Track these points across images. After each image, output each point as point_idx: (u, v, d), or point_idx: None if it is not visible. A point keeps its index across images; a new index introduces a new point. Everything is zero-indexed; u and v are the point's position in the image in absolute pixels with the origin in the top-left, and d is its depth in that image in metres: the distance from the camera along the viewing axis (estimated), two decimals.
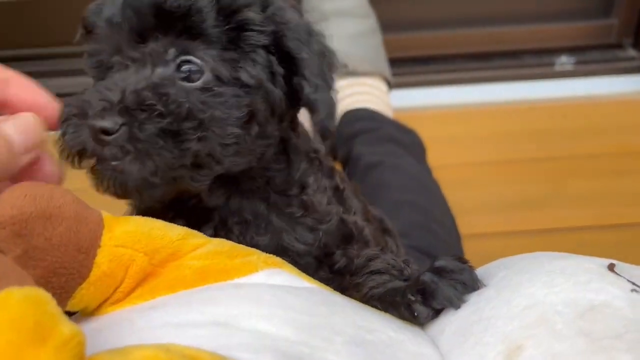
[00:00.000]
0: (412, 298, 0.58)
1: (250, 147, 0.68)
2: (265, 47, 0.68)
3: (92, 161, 0.62)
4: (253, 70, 0.67)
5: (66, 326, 0.41)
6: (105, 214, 0.58)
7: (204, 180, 0.66)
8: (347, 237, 0.78)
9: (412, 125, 1.47)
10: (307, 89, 0.68)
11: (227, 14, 0.66)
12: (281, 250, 0.72)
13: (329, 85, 0.71)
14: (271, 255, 0.62)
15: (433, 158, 1.43)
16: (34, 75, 1.62)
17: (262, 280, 0.56)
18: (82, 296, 0.54)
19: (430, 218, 1.16)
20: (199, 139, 0.63)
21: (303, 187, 0.76)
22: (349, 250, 0.75)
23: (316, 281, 0.61)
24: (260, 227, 0.73)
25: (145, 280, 0.56)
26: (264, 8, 0.69)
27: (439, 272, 0.59)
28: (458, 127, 1.61)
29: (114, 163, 0.60)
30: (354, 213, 0.83)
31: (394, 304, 0.59)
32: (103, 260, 0.54)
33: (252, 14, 0.67)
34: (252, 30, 0.67)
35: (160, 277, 0.57)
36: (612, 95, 1.63)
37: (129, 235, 0.57)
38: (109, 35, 0.67)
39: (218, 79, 0.66)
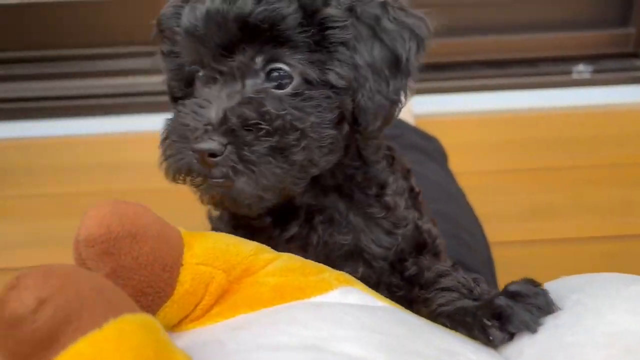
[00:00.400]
0: (488, 323, 0.58)
1: (340, 144, 0.69)
2: (344, 44, 0.67)
3: (199, 179, 0.64)
4: (341, 70, 0.66)
5: (179, 354, 0.43)
6: (183, 231, 0.60)
7: (304, 184, 0.68)
8: (421, 245, 0.78)
9: (430, 131, 1.47)
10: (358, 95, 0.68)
11: (309, 15, 0.65)
12: (358, 252, 0.74)
13: (382, 87, 0.69)
14: (341, 272, 0.63)
15: (452, 165, 1.44)
16: (55, 76, 1.61)
17: (337, 299, 0.57)
18: (166, 314, 0.55)
19: (458, 226, 1.17)
20: (303, 148, 0.64)
21: (382, 187, 0.77)
22: (420, 259, 0.76)
23: (386, 299, 0.62)
24: (342, 226, 0.74)
25: (222, 297, 0.58)
26: (349, 4, 0.68)
27: (514, 296, 0.60)
28: (476, 134, 1.61)
29: (222, 181, 0.62)
30: (427, 220, 0.83)
31: (464, 324, 0.60)
32: (186, 279, 0.56)
33: (332, 10, 0.66)
34: (333, 27, 0.66)
35: (237, 294, 0.58)
36: (630, 104, 1.64)
37: (209, 252, 0.58)
38: (188, 45, 0.68)
39: (307, 82, 0.66)
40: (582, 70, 1.76)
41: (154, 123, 1.62)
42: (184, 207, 1.43)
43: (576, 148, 1.54)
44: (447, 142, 1.47)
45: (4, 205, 1.50)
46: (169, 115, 0.68)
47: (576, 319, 0.53)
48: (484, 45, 1.77)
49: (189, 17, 0.66)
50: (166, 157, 0.66)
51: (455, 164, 1.45)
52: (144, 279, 0.53)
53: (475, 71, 1.78)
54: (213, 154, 0.61)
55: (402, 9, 0.72)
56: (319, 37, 0.66)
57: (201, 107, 0.64)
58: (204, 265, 0.57)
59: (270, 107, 0.64)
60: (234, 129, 0.61)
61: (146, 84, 1.81)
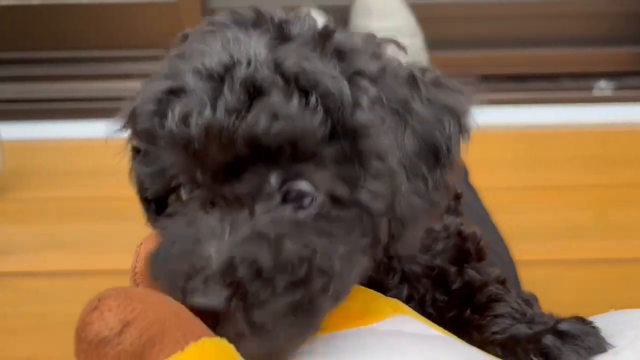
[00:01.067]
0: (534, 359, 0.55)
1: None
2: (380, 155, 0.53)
3: None
4: (376, 187, 0.52)
5: None
6: None
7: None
8: (464, 254, 0.70)
9: None
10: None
11: (336, 124, 0.51)
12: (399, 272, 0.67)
13: (419, 187, 0.55)
14: (393, 298, 0.60)
15: (472, 181, 1.41)
16: (73, 78, 1.59)
17: (394, 327, 0.55)
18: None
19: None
20: (332, 295, 0.50)
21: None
22: (465, 270, 0.68)
23: (439, 327, 0.59)
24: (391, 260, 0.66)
25: None
26: (376, 96, 0.54)
27: (562, 336, 0.56)
28: (495, 149, 1.59)
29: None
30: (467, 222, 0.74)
31: (515, 354, 0.57)
32: None
33: (363, 116, 0.52)
34: (367, 136, 0.52)
35: None
36: None
37: None
38: (176, 157, 0.53)
39: (335, 201, 0.52)
40: (603, 86, 1.74)
41: None
42: None
43: (598, 166, 1.52)
44: (466, 156, 1.44)
45: (18, 207, 1.49)
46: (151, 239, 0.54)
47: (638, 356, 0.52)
48: (504, 58, 1.76)
49: (179, 126, 0.51)
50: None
51: (475, 179, 1.43)
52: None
53: (495, 85, 1.76)
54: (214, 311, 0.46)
55: (435, 82, 0.59)
56: (349, 148, 0.52)
57: (197, 241, 0.49)
58: None
59: (291, 248, 0.49)
60: (243, 281, 0.46)
61: None
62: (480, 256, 0.71)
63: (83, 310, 0.45)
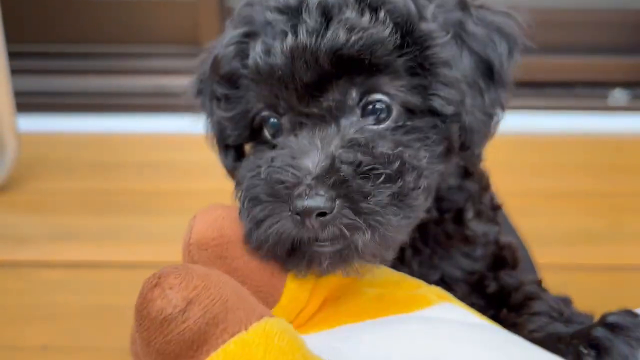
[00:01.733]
0: (584, 351, 0.55)
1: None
2: (447, 63, 0.58)
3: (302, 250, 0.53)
4: (447, 94, 0.58)
5: (318, 358, 0.44)
6: None
7: (415, 223, 0.58)
8: (500, 261, 0.73)
9: None
10: (442, 107, 0.58)
11: (406, 35, 0.57)
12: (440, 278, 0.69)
13: (478, 101, 0.61)
14: (436, 286, 0.61)
15: None
16: (93, 72, 1.59)
17: (439, 314, 0.55)
18: None
19: None
20: (423, 190, 0.55)
21: (459, 214, 0.70)
22: (500, 276, 0.71)
23: (484, 316, 0.60)
24: (430, 261, 0.69)
25: (324, 304, 0.57)
26: (435, 14, 0.59)
27: (612, 328, 0.56)
28: (511, 155, 1.59)
29: (331, 245, 0.51)
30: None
31: (556, 350, 0.56)
32: (292, 285, 0.55)
33: (430, 25, 0.58)
34: (433, 46, 0.58)
35: (340, 303, 0.56)
36: None
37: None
38: (261, 88, 0.59)
39: (409, 111, 0.58)
40: (618, 95, 1.73)
41: (185, 124, 1.61)
42: None
43: (613, 174, 1.52)
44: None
45: (34, 199, 1.49)
46: (246, 171, 0.57)
47: None
48: (521, 65, 1.74)
49: (263, 57, 0.57)
50: (257, 222, 0.53)
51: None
52: (255, 283, 0.52)
53: (512, 91, 1.75)
54: (322, 213, 0.49)
55: (483, 6, 0.65)
56: (419, 58, 0.58)
57: (294, 157, 0.53)
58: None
59: (384, 147, 0.54)
60: (346, 179, 0.50)
61: (179, 85, 1.78)
62: (514, 264, 0.75)
63: (143, 286, 0.45)
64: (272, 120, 0.60)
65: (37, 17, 1.78)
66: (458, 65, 0.59)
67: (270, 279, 0.53)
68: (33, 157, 1.59)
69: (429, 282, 0.63)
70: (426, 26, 0.58)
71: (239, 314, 0.43)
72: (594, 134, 1.61)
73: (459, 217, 0.70)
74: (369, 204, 0.51)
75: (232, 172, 0.69)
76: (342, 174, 0.51)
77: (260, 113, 0.61)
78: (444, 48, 0.58)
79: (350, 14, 0.56)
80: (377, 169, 0.52)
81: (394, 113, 0.58)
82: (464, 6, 0.62)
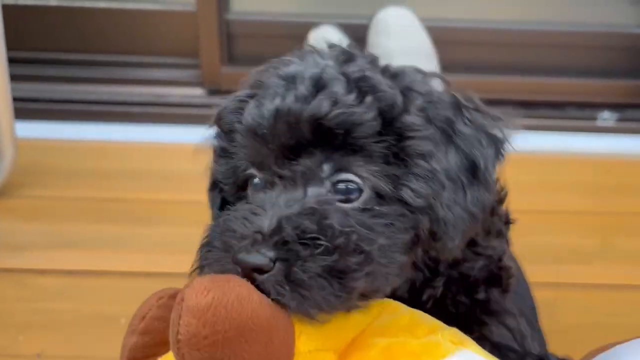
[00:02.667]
0: None
1: (408, 269, 0.62)
2: (423, 156, 0.59)
3: None
4: (418, 186, 0.58)
5: None
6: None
7: (366, 304, 0.57)
8: (494, 279, 0.73)
9: None
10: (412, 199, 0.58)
11: (387, 123, 0.58)
12: None
13: (459, 197, 0.60)
14: (451, 328, 0.56)
15: None
16: (89, 80, 1.58)
17: None
18: None
19: None
20: (366, 275, 0.54)
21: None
22: (491, 291, 0.71)
23: None
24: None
25: None
26: (423, 108, 0.60)
27: None
28: (502, 173, 1.57)
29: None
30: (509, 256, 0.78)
31: None
32: None
33: (413, 118, 0.59)
34: (412, 137, 0.59)
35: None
36: None
37: (319, 332, 0.50)
38: (248, 145, 0.60)
39: (379, 197, 0.58)
40: (607, 117, 1.74)
41: (184, 134, 1.61)
42: (205, 220, 1.39)
43: (603, 194, 1.52)
44: None
45: (31, 205, 1.47)
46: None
47: None
48: (512, 85, 1.76)
49: (253, 114, 0.59)
50: (202, 264, 0.57)
51: None
52: None
53: (502, 110, 1.75)
54: (259, 269, 0.51)
55: (477, 109, 0.65)
56: (395, 148, 0.58)
57: (254, 213, 0.55)
58: (316, 351, 0.49)
59: (334, 221, 0.54)
60: (287, 241, 0.52)
61: (177, 95, 1.78)
62: (506, 289, 0.74)
63: None
64: (255, 180, 0.62)
65: (37, 25, 1.76)
66: (440, 159, 0.59)
67: None
68: (31, 163, 1.57)
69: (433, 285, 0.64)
70: (409, 119, 0.59)
71: None
72: (583, 154, 1.62)
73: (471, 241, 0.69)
74: (300, 270, 0.51)
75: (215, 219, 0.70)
76: (285, 236, 0.52)
77: (247, 170, 0.63)
78: (423, 141, 0.59)
79: (339, 89, 0.57)
80: (319, 239, 0.52)
81: (364, 196, 0.58)
82: (457, 106, 0.63)
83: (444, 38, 1.61)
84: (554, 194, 1.54)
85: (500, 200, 0.76)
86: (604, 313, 1.26)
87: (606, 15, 1.70)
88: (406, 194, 0.57)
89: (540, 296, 1.41)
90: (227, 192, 0.67)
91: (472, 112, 0.63)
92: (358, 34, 1.57)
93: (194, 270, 0.58)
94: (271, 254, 0.51)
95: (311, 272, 0.51)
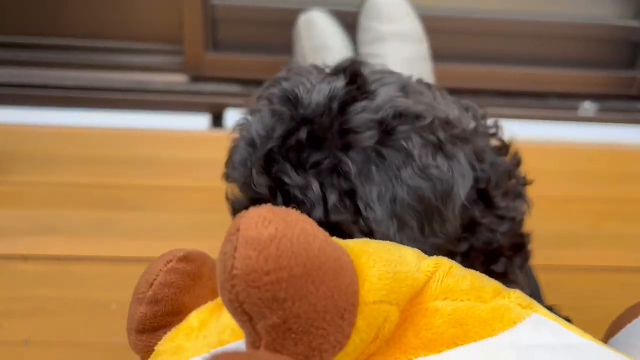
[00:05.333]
0: None
1: None
2: None
3: None
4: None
5: None
6: (346, 245, 0.44)
7: None
8: (518, 246, 0.71)
9: None
10: None
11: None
12: None
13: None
14: (515, 290, 0.50)
15: None
16: (70, 66, 1.52)
17: (532, 338, 0.45)
18: None
19: None
20: None
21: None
22: (513, 261, 0.69)
23: (576, 329, 0.50)
24: None
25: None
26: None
27: None
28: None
29: None
30: None
31: None
32: (362, 324, 0.41)
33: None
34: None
35: (407, 328, 0.44)
36: (636, 144, 1.63)
37: (383, 282, 0.43)
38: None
39: None
40: (588, 107, 1.76)
41: (166, 122, 1.57)
42: (190, 205, 1.37)
43: (587, 181, 1.53)
44: None
45: (10, 191, 1.40)
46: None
47: None
48: (494, 75, 1.76)
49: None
50: None
51: None
52: (322, 332, 0.38)
53: (486, 100, 1.76)
54: None
55: (439, 146, 0.63)
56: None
57: None
58: (380, 302, 0.42)
59: None
60: None
61: (159, 82, 1.73)
62: (527, 257, 0.75)
63: None
64: None
65: (15, 8, 1.70)
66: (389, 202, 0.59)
67: (340, 324, 0.39)
68: (9, 150, 1.50)
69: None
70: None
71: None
72: (565, 143, 1.63)
73: (487, 199, 0.67)
74: None
75: None
76: None
77: None
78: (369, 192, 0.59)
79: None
80: None
81: None
82: (407, 156, 0.61)
83: (425, 26, 1.60)
84: (542, 182, 1.53)
85: (517, 164, 0.75)
86: (597, 294, 1.27)
87: (588, 6, 1.71)
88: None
89: None
90: None
91: (424, 159, 0.61)
92: (348, 20, 1.55)
93: None
94: None
95: None
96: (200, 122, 1.65)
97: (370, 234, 0.60)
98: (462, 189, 0.63)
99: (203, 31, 1.67)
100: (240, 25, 1.70)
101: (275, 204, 0.59)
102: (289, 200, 0.60)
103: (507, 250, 0.70)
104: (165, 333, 0.56)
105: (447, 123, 0.63)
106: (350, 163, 0.59)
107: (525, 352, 0.42)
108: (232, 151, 0.67)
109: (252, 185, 0.62)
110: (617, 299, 1.27)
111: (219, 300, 0.57)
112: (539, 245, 1.42)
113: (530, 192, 1.53)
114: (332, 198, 0.59)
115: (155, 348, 0.56)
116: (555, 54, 1.76)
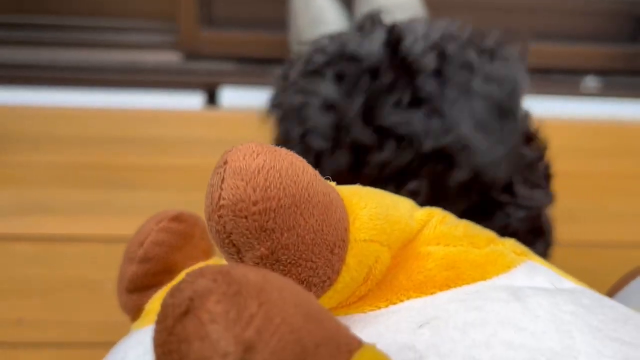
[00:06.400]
0: None
1: None
2: None
3: None
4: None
5: None
6: (338, 188, 0.43)
7: None
8: (537, 230, 0.71)
9: None
10: None
11: None
12: None
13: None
14: (510, 238, 0.50)
15: None
16: (62, 45, 1.51)
17: (526, 282, 0.44)
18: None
19: None
20: None
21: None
22: (534, 245, 0.69)
23: (569, 275, 0.49)
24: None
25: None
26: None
27: None
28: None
29: None
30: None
31: None
32: (352, 261, 0.40)
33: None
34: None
35: (399, 270, 0.44)
36: (637, 120, 1.63)
37: (373, 223, 0.42)
38: None
39: None
40: (590, 82, 1.75)
41: (160, 101, 1.56)
42: (185, 184, 1.36)
43: (589, 157, 1.52)
44: None
45: (3, 171, 1.40)
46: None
47: None
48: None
49: None
50: None
51: None
52: (310, 264, 0.37)
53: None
54: None
55: (490, 53, 0.67)
56: None
57: None
58: (371, 241, 0.41)
59: None
60: None
61: (152, 61, 1.72)
62: (549, 242, 0.76)
63: (164, 309, 0.27)
64: None
65: None
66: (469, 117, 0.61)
67: (329, 257, 0.38)
68: (2, 129, 1.50)
69: None
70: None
71: (322, 355, 0.28)
72: (569, 119, 1.62)
73: (509, 188, 0.68)
74: None
75: None
76: None
77: None
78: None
79: None
80: None
81: None
82: (469, 66, 0.65)
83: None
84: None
85: (540, 157, 0.76)
86: (598, 270, 1.26)
87: None
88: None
89: None
90: None
91: (484, 63, 0.65)
92: None
93: None
94: None
95: None
96: (194, 100, 1.64)
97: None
98: (523, 84, 0.69)
99: (198, 5, 1.66)
100: (235, 1, 1.69)
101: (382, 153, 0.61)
102: (394, 143, 0.62)
103: (524, 235, 0.68)
104: (155, 292, 0.57)
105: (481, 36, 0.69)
106: (427, 86, 0.62)
107: (517, 292, 0.42)
108: (287, 126, 0.68)
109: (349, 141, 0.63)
110: (620, 274, 1.27)
111: (210, 261, 0.58)
112: None
113: None
114: (434, 123, 0.61)
115: (145, 307, 0.56)
116: (557, 28, 1.75)
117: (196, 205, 1.27)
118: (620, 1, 1.72)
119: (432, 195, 0.62)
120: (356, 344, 0.30)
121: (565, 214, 1.40)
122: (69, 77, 1.67)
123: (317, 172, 0.39)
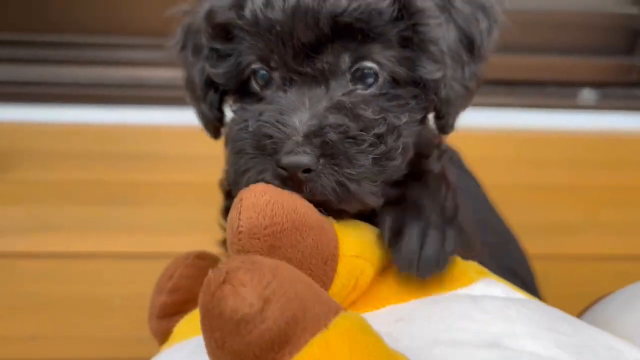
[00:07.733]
0: None
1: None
2: (434, 41, 0.61)
3: None
4: (431, 67, 0.60)
5: (399, 354, 0.43)
6: (331, 220, 0.56)
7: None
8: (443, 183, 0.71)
9: None
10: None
11: (402, 8, 0.60)
12: None
13: (458, 74, 0.63)
14: (472, 262, 0.61)
15: None
16: (68, 62, 1.55)
17: (484, 292, 0.56)
18: None
19: (504, 239, 1.15)
20: (401, 152, 0.59)
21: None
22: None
23: (521, 290, 0.61)
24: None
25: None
26: None
27: None
28: (485, 149, 1.62)
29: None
30: None
31: None
32: (343, 272, 0.53)
33: (426, 3, 0.61)
34: (425, 24, 0.61)
35: (380, 282, 0.56)
36: (635, 131, 1.67)
37: (360, 244, 0.55)
38: (257, 42, 0.60)
39: (394, 81, 0.61)
40: (587, 95, 1.79)
41: (165, 117, 1.59)
42: (189, 200, 1.41)
43: (585, 169, 1.57)
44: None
45: (11, 189, 1.47)
46: (234, 124, 0.62)
47: None
48: (493, 63, 1.78)
49: (264, 11, 0.58)
50: (242, 172, 0.58)
51: None
52: (307, 273, 0.50)
53: (484, 88, 1.78)
54: (307, 170, 0.54)
55: None
56: (410, 32, 0.60)
57: (282, 114, 0.56)
58: (357, 257, 0.54)
59: (367, 112, 0.57)
60: (332, 142, 0.54)
61: (158, 77, 1.77)
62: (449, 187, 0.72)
63: (208, 282, 0.41)
64: (262, 72, 0.62)
65: (14, 5, 1.73)
66: (445, 39, 0.62)
67: (323, 268, 0.51)
68: (10, 147, 1.55)
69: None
70: (422, 3, 0.61)
71: (317, 311, 0.41)
72: (565, 132, 1.66)
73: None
74: (352, 169, 0.55)
75: (209, 123, 0.72)
76: (328, 136, 0.54)
77: (251, 65, 0.63)
78: (435, 27, 0.61)
79: None
80: (362, 134, 0.56)
81: (380, 80, 0.60)
82: None
83: None
84: (540, 170, 1.58)
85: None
86: (591, 282, 1.31)
87: None
88: (420, 75, 0.60)
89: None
90: (224, 89, 0.67)
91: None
92: None
93: (234, 178, 0.59)
94: (317, 152, 0.54)
95: (362, 166, 0.55)
96: None
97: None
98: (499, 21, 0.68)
99: None
100: None
101: None
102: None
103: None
104: (181, 317, 0.68)
105: None
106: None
107: (476, 299, 0.53)
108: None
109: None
110: (613, 286, 1.31)
111: None
112: (536, 234, 1.47)
113: (528, 180, 1.58)
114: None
115: (173, 330, 0.67)
116: (554, 41, 1.79)
117: (202, 221, 1.31)
118: (616, 14, 1.76)
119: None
120: (342, 309, 0.43)
121: (560, 227, 1.45)
122: (76, 94, 1.72)
123: (311, 205, 0.52)
